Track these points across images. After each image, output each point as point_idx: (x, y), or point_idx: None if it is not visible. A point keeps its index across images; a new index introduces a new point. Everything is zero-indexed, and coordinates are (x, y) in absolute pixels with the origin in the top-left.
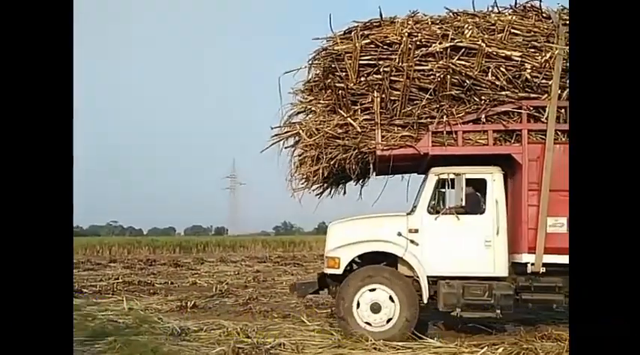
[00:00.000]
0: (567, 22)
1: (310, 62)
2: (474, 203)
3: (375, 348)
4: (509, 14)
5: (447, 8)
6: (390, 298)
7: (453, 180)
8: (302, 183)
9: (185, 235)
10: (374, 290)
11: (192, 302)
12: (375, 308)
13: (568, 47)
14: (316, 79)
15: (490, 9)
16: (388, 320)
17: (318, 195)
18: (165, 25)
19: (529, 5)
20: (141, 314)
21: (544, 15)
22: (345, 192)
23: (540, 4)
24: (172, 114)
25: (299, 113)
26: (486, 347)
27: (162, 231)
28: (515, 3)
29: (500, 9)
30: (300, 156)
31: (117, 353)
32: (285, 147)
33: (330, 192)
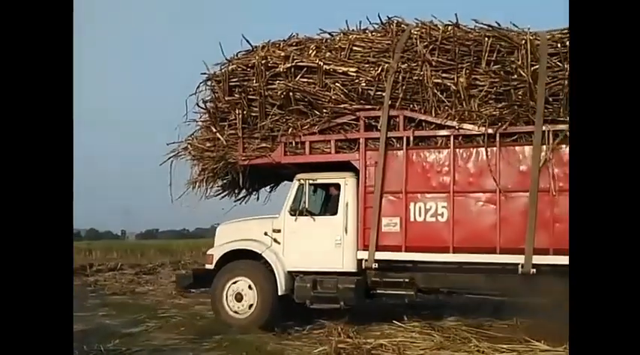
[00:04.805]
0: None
1: (199, 86)
2: (329, 205)
3: (478, 351)
4: (370, 31)
5: (321, 29)
6: (250, 288)
7: (312, 184)
8: (204, 191)
9: None
10: (237, 282)
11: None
12: (238, 297)
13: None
14: (203, 100)
15: (357, 28)
16: (249, 308)
17: (236, 201)
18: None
19: (395, 22)
20: None
21: (404, 31)
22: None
23: (391, 20)
24: None
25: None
26: None
27: None
28: (381, 21)
29: (374, 26)
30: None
31: (224, 350)
32: (187, 161)
33: (249, 197)
